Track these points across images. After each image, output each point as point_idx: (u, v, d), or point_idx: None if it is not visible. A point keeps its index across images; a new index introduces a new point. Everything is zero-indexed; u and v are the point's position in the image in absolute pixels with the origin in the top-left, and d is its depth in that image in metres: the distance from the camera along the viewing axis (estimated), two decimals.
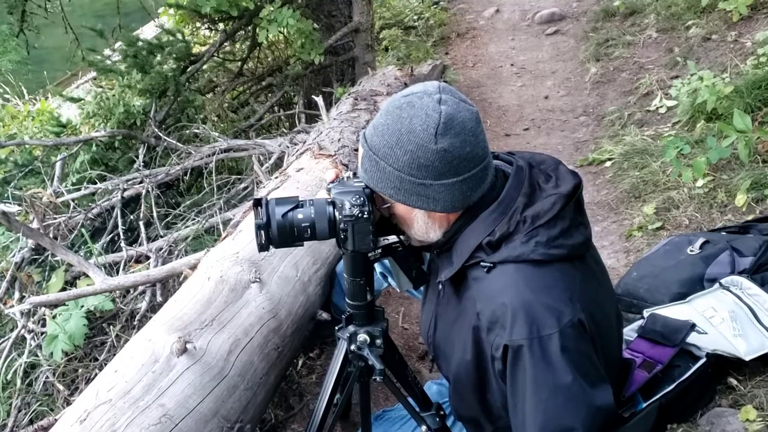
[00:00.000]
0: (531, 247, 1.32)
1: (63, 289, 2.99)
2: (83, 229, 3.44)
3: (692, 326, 2.09)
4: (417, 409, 1.68)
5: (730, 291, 2.24)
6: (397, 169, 1.34)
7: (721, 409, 2.09)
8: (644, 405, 1.91)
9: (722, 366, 2.15)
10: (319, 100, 4.13)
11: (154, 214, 3.58)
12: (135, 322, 2.77)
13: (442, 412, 1.69)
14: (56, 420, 2.15)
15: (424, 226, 1.44)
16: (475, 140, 1.35)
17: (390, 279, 1.89)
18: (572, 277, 1.36)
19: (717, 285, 2.27)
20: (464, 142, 1.32)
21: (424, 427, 1.67)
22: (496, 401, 1.47)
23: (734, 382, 2.17)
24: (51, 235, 3.30)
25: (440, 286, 1.55)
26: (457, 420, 1.77)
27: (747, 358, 2.06)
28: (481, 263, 1.37)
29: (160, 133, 4.26)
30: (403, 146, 1.32)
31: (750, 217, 2.89)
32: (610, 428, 1.34)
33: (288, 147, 3.75)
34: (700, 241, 2.48)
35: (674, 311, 2.20)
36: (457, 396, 1.60)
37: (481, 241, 1.37)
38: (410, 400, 1.68)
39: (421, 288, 1.78)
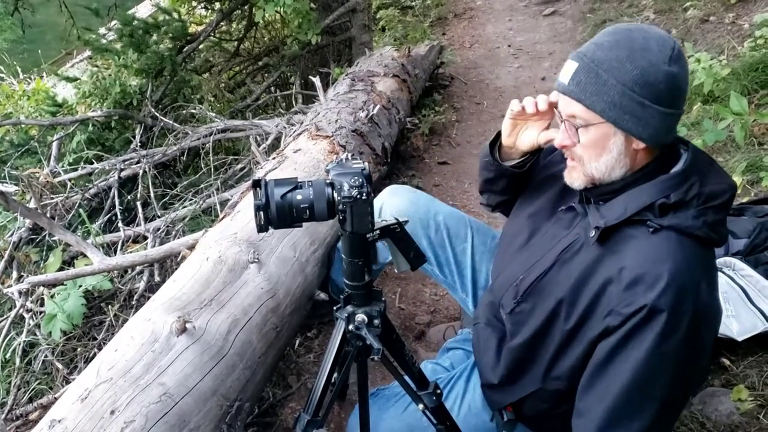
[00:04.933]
0: (699, 223, 1.35)
1: (61, 269, 3.00)
2: (80, 209, 3.45)
3: None
4: (414, 387, 1.70)
5: (724, 272, 2.26)
6: (621, 83, 1.34)
7: (714, 389, 2.12)
8: None
9: (715, 346, 2.16)
10: (316, 80, 4.12)
11: (152, 195, 3.59)
12: (133, 302, 2.78)
13: (438, 391, 1.70)
14: (56, 398, 2.17)
15: (616, 156, 1.42)
16: (687, 85, 1.40)
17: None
18: (715, 266, 1.43)
19: None
20: (686, 78, 1.37)
21: (420, 405, 1.69)
22: (566, 361, 1.50)
23: (727, 362, 2.19)
24: (48, 215, 3.31)
25: (577, 234, 1.54)
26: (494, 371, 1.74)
27: (740, 339, 2.09)
28: (648, 222, 1.39)
29: (156, 113, 4.26)
30: (635, 61, 1.33)
31: (745, 200, 2.90)
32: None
33: (285, 128, 3.74)
34: None
35: None
36: (524, 347, 1.60)
37: (655, 200, 1.39)
38: (407, 379, 1.70)
39: (433, 262, 1.78)
